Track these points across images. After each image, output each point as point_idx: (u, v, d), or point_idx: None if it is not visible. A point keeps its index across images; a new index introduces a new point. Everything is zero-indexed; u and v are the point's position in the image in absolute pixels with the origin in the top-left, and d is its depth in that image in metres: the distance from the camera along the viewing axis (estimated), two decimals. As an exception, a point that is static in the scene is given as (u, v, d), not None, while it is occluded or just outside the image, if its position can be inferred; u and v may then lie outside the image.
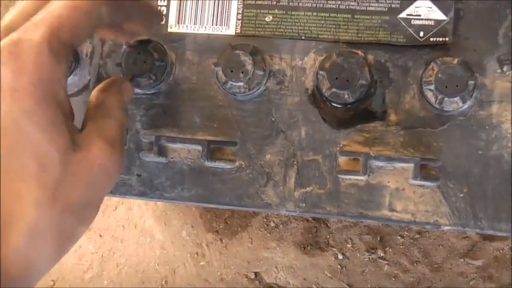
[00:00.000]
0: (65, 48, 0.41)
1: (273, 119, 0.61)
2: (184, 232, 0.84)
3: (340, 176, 0.59)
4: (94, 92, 0.49)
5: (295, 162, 0.60)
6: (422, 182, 0.58)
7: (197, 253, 0.83)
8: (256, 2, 0.62)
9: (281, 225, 0.81)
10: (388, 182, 0.59)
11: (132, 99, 0.50)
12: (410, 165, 0.58)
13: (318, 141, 0.60)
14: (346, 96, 0.58)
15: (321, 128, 0.60)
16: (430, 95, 0.58)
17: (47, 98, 0.38)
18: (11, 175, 0.35)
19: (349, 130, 0.60)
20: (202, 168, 0.61)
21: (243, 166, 0.61)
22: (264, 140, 0.60)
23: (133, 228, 0.86)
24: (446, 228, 0.58)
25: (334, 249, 0.80)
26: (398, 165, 0.58)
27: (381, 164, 0.59)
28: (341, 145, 0.60)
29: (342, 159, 0.60)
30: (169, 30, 0.63)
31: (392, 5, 0.60)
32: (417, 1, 0.60)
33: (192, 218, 0.84)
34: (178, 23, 0.63)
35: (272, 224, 0.81)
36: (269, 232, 0.81)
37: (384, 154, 0.58)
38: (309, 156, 0.60)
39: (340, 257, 0.80)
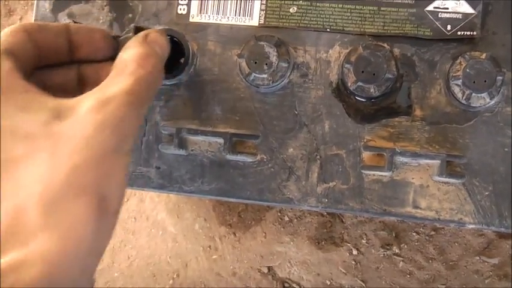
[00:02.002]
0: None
1: (296, 112, 0.59)
2: (197, 225, 0.83)
3: (364, 171, 0.58)
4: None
5: (318, 157, 0.59)
6: (447, 179, 0.57)
7: (210, 246, 0.82)
8: (281, -8, 0.60)
9: (295, 220, 0.80)
10: (413, 178, 0.58)
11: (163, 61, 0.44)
12: (436, 162, 0.57)
13: (341, 135, 0.59)
14: (371, 90, 0.57)
15: (345, 122, 0.59)
16: (457, 90, 0.56)
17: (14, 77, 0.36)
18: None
19: (373, 125, 0.59)
20: (223, 161, 0.60)
21: (265, 160, 0.59)
22: (286, 134, 0.59)
23: (145, 221, 0.85)
24: (470, 226, 0.57)
25: (349, 244, 0.79)
26: (423, 161, 0.57)
27: (405, 160, 0.57)
28: (365, 140, 0.58)
29: (366, 155, 0.58)
30: (191, 20, 0.61)
31: (419, -2, 0.59)
32: (445, -6, 0.59)
33: (205, 211, 0.83)
34: (200, 12, 0.61)
35: (286, 218, 0.80)
36: (283, 226, 0.80)
37: (410, 150, 0.57)
38: (333, 150, 0.59)
39: (354, 252, 0.79)
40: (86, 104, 0.34)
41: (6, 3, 0.93)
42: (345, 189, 0.58)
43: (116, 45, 0.45)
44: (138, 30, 0.44)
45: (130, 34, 0.43)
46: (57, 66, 0.43)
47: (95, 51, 0.44)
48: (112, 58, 0.42)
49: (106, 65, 0.44)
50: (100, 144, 0.33)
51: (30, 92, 0.35)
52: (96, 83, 0.40)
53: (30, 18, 0.92)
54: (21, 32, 0.39)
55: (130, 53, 0.40)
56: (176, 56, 0.62)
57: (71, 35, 0.43)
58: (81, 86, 0.45)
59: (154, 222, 0.85)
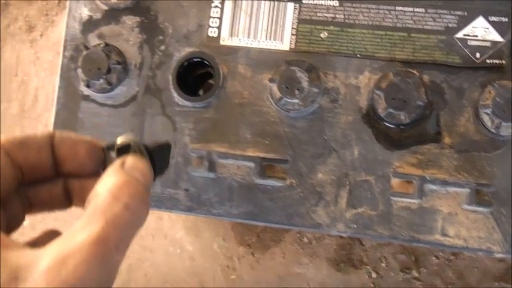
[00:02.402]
0: None
1: (326, 138, 0.60)
2: (216, 244, 0.83)
3: (392, 198, 0.58)
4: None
5: (348, 182, 0.59)
6: (475, 208, 0.57)
7: (228, 266, 0.82)
8: (312, 17, 0.61)
9: (314, 241, 0.80)
10: (441, 206, 0.58)
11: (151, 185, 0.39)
12: (465, 190, 0.57)
13: (370, 161, 0.59)
14: (402, 117, 0.57)
15: (374, 148, 0.59)
16: (486, 118, 0.57)
17: None
18: None
19: (402, 151, 0.59)
20: (252, 185, 0.60)
21: (294, 184, 0.59)
22: (316, 159, 0.59)
23: (163, 239, 0.85)
24: (499, 255, 0.57)
25: (368, 267, 0.79)
26: (452, 189, 0.58)
27: (434, 187, 0.58)
28: (394, 166, 0.59)
29: (395, 181, 0.59)
30: (221, 43, 0.62)
31: (449, 25, 0.60)
32: (474, 21, 0.59)
33: (223, 231, 0.83)
34: (231, 35, 0.62)
35: (305, 240, 0.80)
36: (302, 247, 0.80)
37: (439, 178, 0.57)
38: (362, 176, 0.59)
39: (373, 275, 0.79)
40: (43, 262, 0.29)
41: (27, 19, 0.93)
42: (373, 215, 0.58)
43: (104, 158, 0.40)
44: (120, 150, 0.39)
45: (113, 155, 0.39)
46: (42, 181, 0.39)
47: (79, 166, 0.40)
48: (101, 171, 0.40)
49: (92, 180, 0.38)
50: None
51: None
52: (82, 197, 0.37)
53: (51, 34, 0.93)
54: (1, 153, 0.36)
55: (104, 184, 0.34)
56: (205, 78, 0.62)
57: (54, 149, 0.39)
58: (68, 200, 0.41)
59: (172, 241, 0.85)
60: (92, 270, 0.29)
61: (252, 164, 0.59)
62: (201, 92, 0.67)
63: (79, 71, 0.60)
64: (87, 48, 0.60)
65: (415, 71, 0.59)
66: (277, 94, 0.58)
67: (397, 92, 0.57)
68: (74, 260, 0.29)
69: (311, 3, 0.61)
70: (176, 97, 0.61)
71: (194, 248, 0.84)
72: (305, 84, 0.58)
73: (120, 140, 0.39)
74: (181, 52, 0.62)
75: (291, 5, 0.61)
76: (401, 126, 0.58)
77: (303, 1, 0.61)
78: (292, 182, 0.60)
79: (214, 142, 0.61)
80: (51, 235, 0.38)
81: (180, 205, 0.61)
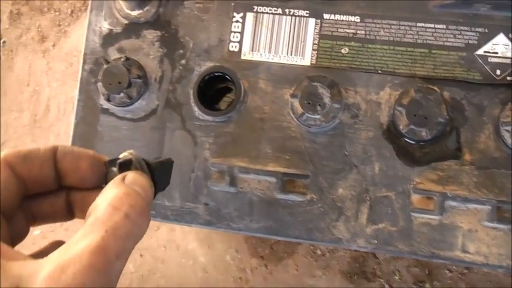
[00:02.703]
0: None
1: (346, 153, 0.60)
2: (228, 256, 0.83)
3: (413, 214, 0.58)
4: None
5: (368, 198, 0.59)
6: (496, 225, 0.57)
7: (240, 278, 0.82)
8: (333, 33, 0.61)
9: (328, 253, 0.80)
10: (461, 222, 0.58)
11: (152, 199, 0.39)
12: (485, 207, 0.57)
13: (391, 177, 0.59)
14: (423, 133, 0.57)
15: (395, 164, 0.59)
16: (507, 136, 0.57)
17: None
18: None
19: (423, 167, 0.59)
20: (272, 199, 0.60)
21: (315, 199, 0.60)
22: (336, 174, 0.60)
23: (176, 250, 0.84)
24: (519, 271, 0.58)
25: (381, 280, 0.79)
26: (472, 206, 0.58)
27: (454, 204, 0.58)
28: (414, 182, 0.59)
29: (415, 197, 0.59)
30: (242, 57, 0.62)
31: (470, 41, 0.60)
32: (495, 38, 0.60)
33: (236, 242, 0.83)
34: (252, 50, 0.62)
35: (319, 252, 0.80)
36: (315, 260, 0.80)
37: (460, 195, 0.57)
38: (382, 192, 0.59)
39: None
40: (43, 271, 0.30)
41: (40, 29, 0.93)
42: (394, 231, 0.58)
43: (106, 172, 0.40)
44: (122, 166, 0.39)
45: (115, 170, 0.39)
46: (45, 194, 0.40)
47: (82, 180, 0.40)
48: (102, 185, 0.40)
49: (94, 193, 0.39)
50: None
51: None
52: (84, 209, 0.37)
53: (64, 44, 0.93)
54: (5, 167, 0.36)
55: (105, 196, 0.35)
56: (223, 92, 0.63)
57: (57, 163, 0.39)
58: (70, 212, 0.42)
59: (184, 252, 0.85)
60: (91, 278, 0.30)
61: (273, 179, 0.59)
62: (218, 106, 0.66)
63: (99, 84, 0.60)
64: (107, 62, 0.60)
65: (435, 88, 0.59)
66: (299, 110, 0.58)
67: (418, 109, 0.57)
68: (73, 268, 0.30)
69: (332, 19, 0.61)
70: (197, 111, 0.61)
71: (207, 259, 0.84)
72: (327, 100, 0.58)
73: (122, 156, 0.39)
74: (202, 66, 0.62)
75: (312, 21, 0.61)
76: (422, 143, 0.59)
77: (324, 16, 0.61)
78: (312, 197, 0.60)
79: (234, 157, 0.61)
80: (57, 246, 0.36)
81: (200, 219, 0.61)
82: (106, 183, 0.38)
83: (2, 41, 0.94)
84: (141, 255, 0.86)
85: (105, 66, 0.60)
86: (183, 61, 0.62)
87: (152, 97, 0.62)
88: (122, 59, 0.61)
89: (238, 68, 0.61)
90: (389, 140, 0.60)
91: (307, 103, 0.58)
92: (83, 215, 0.38)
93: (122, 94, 0.60)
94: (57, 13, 0.93)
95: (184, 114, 0.62)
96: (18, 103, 0.93)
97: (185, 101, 0.62)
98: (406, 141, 0.59)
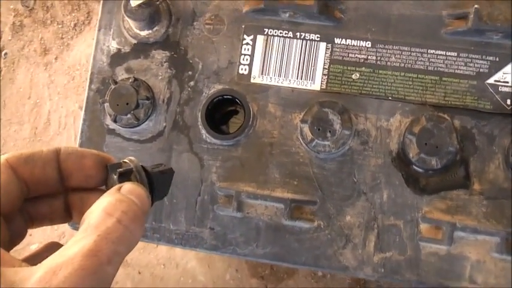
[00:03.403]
0: None
1: (355, 180, 0.59)
2: (228, 275, 0.82)
3: (421, 243, 0.58)
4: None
5: (376, 226, 0.59)
6: (504, 256, 0.57)
7: (240, 298, 0.81)
8: (344, 58, 0.60)
9: (328, 275, 0.79)
10: (470, 253, 0.58)
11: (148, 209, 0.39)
12: (494, 238, 0.57)
13: (400, 205, 0.59)
14: (433, 162, 0.57)
15: (404, 193, 0.59)
16: (517, 166, 0.57)
17: None
18: None
19: (432, 196, 0.59)
20: (279, 225, 0.59)
21: (322, 226, 0.59)
22: (344, 201, 0.59)
23: (175, 268, 0.83)
24: (527, 303, 0.57)
25: (382, 303, 0.78)
26: (481, 236, 0.57)
27: (463, 234, 0.57)
28: (423, 211, 0.58)
29: (424, 226, 0.58)
30: (252, 80, 0.61)
31: (481, 70, 0.60)
32: (506, 67, 0.59)
33: (236, 262, 0.82)
34: (262, 74, 0.61)
35: (319, 273, 0.79)
36: (316, 281, 0.80)
37: (469, 225, 0.57)
38: (390, 220, 0.59)
39: (387, 311, 0.78)
40: (36, 275, 0.30)
41: (42, 42, 0.92)
42: (401, 260, 0.58)
43: (107, 174, 0.41)
44: (121, 175, 0.39)
45: (115, 177, 0.39)
46: (43, 196, 0.40)
47: (85, 179, 0.40)
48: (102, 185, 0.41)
49: (93, 194, 0.41)
50: None
51: None
52: (82, 211, 0.37)
53: (66, 58, 0.92)
54: (6, 169, 0.37)
55: (99, 203, 0.35)
56: (230, 115, 0.62)
57: (61, 163, 0.39)
58: (68, 214, 0.42)
59: (184, 270, 0.84)
60: (82, 281, 0.30)
61: (280, 205, 0.58)
62: (226, 127, 0.66)
63: (106, 105, 0.60)
64: (115, 82, 0.59)
65: (446, 116, 0.59)
66: (309, 135, 0.58)
67: (429, 138, 0.57)
68: (65, 271, 0.30)
69: (343, 44, 0.60)
70: (204, 134, 0.60)
71: (206, 278, 0.83)
72: (337, 126, 0.57)
73: (123, 165, 0.40)
74: (211, 89, 0.61)
75: (323, 45, 0.61)
76: (431, 171, 0.58)
77: (336, 41, 0.61)
78: (320, 223, 0.59)
79: (242, 181, 0.60)
80: (51, 248, 0.39)
81: (205, 244, 0.60)
82: (106, 187, 0.40)
83: (3, 52, 0.93)
84: (140, 273, 0.85)
85: (112, 86, 0.59)
86: (191, 83, 0.62)
87: (160, 118, 0.62)
88: (130, 80, 0.60)
89: (248, 91, 0.61)
90: (398, 168, 0.59)
91: (317, 129, 0.57)
92: (80, 216, 0.38)
93: (129, 115, 0.60)
94: (60, 26, 0.92)
95: (192, 136, 0.61)
96: (19, 116, 0.92)
97: (193, 123, 0.61)
98: (415, 169, 0.59)
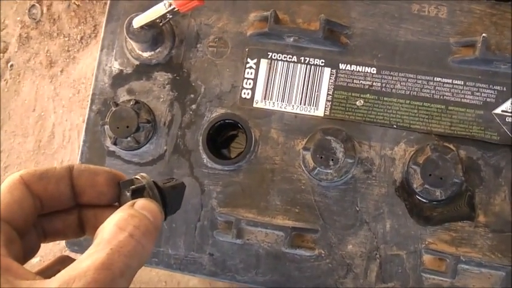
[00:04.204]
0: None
1: (358, 209, 0.58)
2: (230, 295, 0.81)
3: (424, 274, 0.57)
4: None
5: (378, 256, 0.58)
6: (509, 290, 0.56)
7: (241, 318, 0.81)
8: (348, 84, 0.59)
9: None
10: (473, 286, 0.57)
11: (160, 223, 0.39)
12: (499, 272, 0.56)
13: (402, 236, 0.58)
14: (437, 193, 0.56)
15: (407, 223, 0.58)
16: (523, 199, 0.55)
17: None
18: None
19: (435, 227, 0.58)
20: (280, 253, 0.58)
21: (323, 255, 0.58)
22: (346, 230, 0.58)
23: (176, 285, 0.83)
24: None
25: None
26: (485, 270, 0.56)
27: (467, 267, 0.56)
28: (426, 242, 0.57)
29: (427, 257, 0.57)
30: (254, 105, 0.60)
31: (488, 99, 0.58)
32: (513, 97, 0.58)
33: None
34: (265, 98, 0.60)
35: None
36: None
37: (474, 258, 0.56)
38: (393, 250, 0.58)
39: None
40: (50, 286, 0.32)
41: (48, 54, 0.92)
42: (403, 291, 0.57)
43: (119, 192, 0.42)
44: (134, 192, 0.40)
45: (128, 194, 0.40)
46: (57, 211, 0.41)
47: (98, 196, 0.41)
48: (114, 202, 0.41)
49: (106, 210, 0.41)
50: None
51: (7, 273, 0.33)
52: (95, 227, 0.38)
53: (72, 71, 0.91)
54: (20, 186, 0.37)
55: (111, 219, 0.36)
56: (231, 138, 0.61)
57: (74, 180, 0.40)
58: (82, 229, 0.43)
59: (185, 289, 0.83)
60: None
61: (281, 233, 0.58)
62: (227, 150, 0.65)
63: (106, 127, 0.59)
64: (116, 104, 0.59)
65: (451, 146, 0.58)
66: (311, 163, 0.57)
67: (434, 169, 0.56)
68: (78, 283, 0.31)
69: (348, 70, 0.60)
70: (205, 159, 0.60)
71: (207, 297, 0.82)
72: (340, 155, 0.56)
73: (135, 182, 0.41)
74: (213, 113, 0.60)
75: (327, 70, 0.60)
76: (435, 202, 0.57)
77: (340, 67, 0.60)
78: (321, 252, 0.58)
79: (242, 207, 0.59)
80: (62, 261, 0.40)
81: (204, 270, 0.60)
82: (119, 203, 0.41)
83: (9, 64, 0.92)
84: (141, 289, 0.84)
85: (113, 108, 0.59)
86: (193, 106, 0.61)
87: (160, 142, 0.61)
88: (132, 102, 0.59)
89: (250, 116, 0.60)
90: (402, 198, 0.58)
91: (319, 157, 0.56)
92: (93, 231, 0.39)
93: (129, 138, 0.59)
94: (66, 38, 0.92)
95: (193, 160, 0.60)
96: (23, 128, 0.92)
97: (194, 147, 0.60)
98: (419, 199, 0.58)
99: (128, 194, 0.40)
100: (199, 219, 0.60)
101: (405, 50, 0.59)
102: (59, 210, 0.40)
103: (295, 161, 0.59)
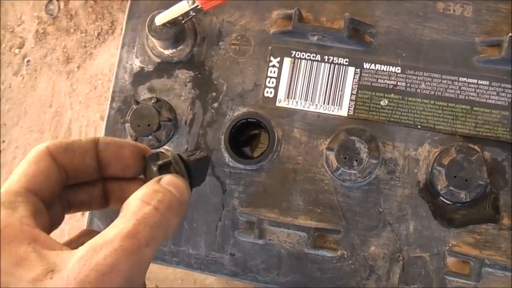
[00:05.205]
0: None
1: (381, 210, 0.58)
2: (247, 294, 0.81)
3: (447, 277, 0.56)
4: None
5: (401, 258, 0.57)
6: (533, 293, 0.55)
7: (257, 317, 0.80)
8: (373, 83, 0.59)
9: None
10: (498, 289, 0.56)
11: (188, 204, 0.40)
12: (524, 275, 0.55)
13: (426, 238, 0.57)
14: (462, 195, 0.55)
15: (431, 225, 0.57)
16: (548, 201, 0.55)
17: (6, 243, 0.34)
18: None
19: (459, 230, 0.57)
20: (302, 254, 0.58)
21: (345, 256, 0.58)
22: (369, 231, 0.57)
23: (192, 283, 0.82)
24: None
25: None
26: (510, 274, 0.55)
27: (491, 270, 0.56)
28: (450, 245, 0.57)
29: (450, 260, 0.57)
30: (277, 104, 0.60)
31: (514, 100, 0.58)
32: (539, 98, 0.58)
33: (255, 280, 0.81)
34: (288, 97, 0.60)
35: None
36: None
37: (498, 261, 0.55)
38: (416, 253, 0.57)
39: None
40: (78, 253, 0.32)
41: (65, 50, 0.91)
42: (426, 294, 0.56)
43: (145, 165, 0.42)
44: (161, 167, 0.41)
45: (154, 169, 0.41)
46: (82, 183, 0.42)
47: (124, 168, 0.42)
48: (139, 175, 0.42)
49: (131, 182, 0.43)
50: None
51: (36, 243, 0.34)
52: (120, 199, 0.40)
53: (89, 67, 0.91)
54: (46, 157, 0.38)
55: (137, 193, 0.37)
56: (252, 137, 0.61)
57: (99, 152, 0.41)
58: (106, 201, 0.44)
59: (201, 286, 0.83)
60: (122, 261, 0.32)
61: (303, 233, 0.57)
62: (248, 149, 0.65)
63: (127, 125, 0.58)
64: (137, 102, 0.58)
65: (476, 147, 0.57)
66: (334, 164, 0.56)
67: (459, 170, 0.55)
68: (105, 250, 0.32)
69: (372, 69, 0.59)
70: (227, 158, 0.59)
71: (224, 296, 0.82)
72: (364, 155, 0.56)
73: (160, 156, 0.41)
74: (235, 111, 0.60)
75: (351, 70, 0.59)
76: (459, 204, 0.56)
77: (365, 66, 0.59)
78: (343, 253, 0.58)
79: (264, 207, 0.59)
80: (87, 234, 0.41)
81: (225, 270, 0.59)
82: (145, 177, 0.42)
83: (26, 60, 0.92)
84: (157, 287, 0.84)
85: (134, 107, 0.58)
86: (215, 104, 0.60)
87: (181, 140, 0.60)
88: (153, 100, 0.59)
89: (273, 115, 0.59)
90: (425, 199, 0.57)
91: (343, 158, 0.56)
92: (118, 203, 0.42)
93: (150, 137, 0.58)
94: (83, 34, 0.91)
95: (214, 160, 0.60)
96: (40, 124, 0.91)
97: (215, 146, 0.60)
98: (443, 201, 0.57)
99: (155, 169, 0.41)
100: (220, 219, 0.59)
101: (430, 49, 0.59)
102: (84, 182, 0.41)
103: (318, 161, 0.59)
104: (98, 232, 0.39)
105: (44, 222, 0.37)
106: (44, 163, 0.38)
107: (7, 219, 0.34)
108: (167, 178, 0.39)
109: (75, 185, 0.41)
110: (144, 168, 0.42)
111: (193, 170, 0.43)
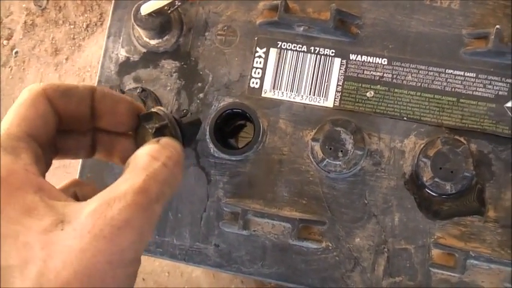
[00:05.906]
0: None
1: (366, 202, 0.57)
2: (233, 287, 0.81)
3: (432, 269, 0.56)
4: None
5: (386, 250, 0.57)
6: (518, 286, 0.55)
7: (245, 310, 0.80)
8: (359, 75, 0.59)
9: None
10: (482, 282, 0.56)
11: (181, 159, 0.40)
12: (508, 269, 0.55)
13: (411, 230, 0.57)
14: (447, 187, 0.55)
15: (416, 217, 0.57)
16: (534, 194, 0.55)
17: (12, 190, 0.33)
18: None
19: (444, 222, 0.57)
20: (286, 245, 0.58)
21: (330, 248, 0.57)
22: (354, 223, 0.57)
23: (179, 277, 0.82)
24: (539, 336, 0.55)
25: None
26: (495, 266, 0.55)
27: (476, 262, 0.55)
28: (435, 237, 0.56)
29: (435, 252, 0.56)
30: (263, 95, 0.59)
31: (500, 92, 0.57)
32: (526, 91, 0.57)
33: (242, 274, 0.80)
34: (273, 88, 0.59)
35: None
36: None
37: (483, 254, 0.55)
38: (401, 244, 0.57)
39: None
40: (89, 207, 0.32)
41: (53, 42, 0.91)
42: (411, 286, 0.56)
43: (137, 123, 0.43)
44: (157, 130, 0.42)
45: (151, 131, 0.42)
46: (72, 131, 0.41)
47: (116, 124, 0.42)
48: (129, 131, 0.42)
49: (121, 137, 0.43)
50: (92, 257, 0.31)
51: (42, 192, 0.33)
52: (108, 151, 0.41)
53: (77, 59, 0.90)
54: (44, 100, 0.37)
55: (144, 149, 0.38)
56: (238, 128, 0.61)
57: (95, 102, 0.40)
58: (93, 151, 0.43)
59: (188, 280, 0.83)
60: (135, 215, 0.32)
61: (287, 225, 0.57)
62: (234, 140, 0.64)
63: (113, 115, 0.58)
64: (123, 92, 0.58)
65: (462, 139, 0.57)
66: (319, 154, 0.56)
67: (444, 162, 0.55)
68: (119, 204, 0.32)
69: (359, 60, 0.59)
70: (212, 148, 0.59)
71: (211, 289, 0.82)
72: (349, 146, 0.55)
73: (155, 116, 0.42)
74: (221, 102, 0.59)
75: (337, 61, 0.59)
76: (445, 196, 0.56)
77: (351, 57, 0.59)
78: (328, 245, 0.57)
79: (249, 198, 0.58)
80: (77, 184, 0.42)
81: (209, 261, 0.59)
82: (135, 134, 0.42)
83: (14, 51, 0.92)
84: (144, 279, 0.84)
85: (120, 96, 0.58)
86: (201, 95, 0.60)
87: (167, 130, 0.60)
88: (138, 90, 0.59)
89: (258, 105, 0.59)
90: (411, 191, 0.57)
91: (328, 148, 0.56)
92: (105, 155, 0.42)
93: (136, 126, 0.58)
94: (72, 26, 0.91)
95: (199, 150, 0.59)
96: (27, 116, 0.91)
97: (201, 136, 0.59)
98: (428, 193, 0.57)
99: (151, 131, 0.41)
100: (205, 209, 0.59)
101: (417, 41, 0.58)
102: (74, 129, 0.41)
103: (303, 152, 0.58)
104: (86, 184, 0.40)
105: (43, 169, 0.37)
106: (42, 107, 0.37)
107: (11, 166, 0.34)
108: (164, 140, 0.40)
109: (65, 131, 0.40)
110: (137, 126, 0.42)
111: (185, 132, 0.44)
